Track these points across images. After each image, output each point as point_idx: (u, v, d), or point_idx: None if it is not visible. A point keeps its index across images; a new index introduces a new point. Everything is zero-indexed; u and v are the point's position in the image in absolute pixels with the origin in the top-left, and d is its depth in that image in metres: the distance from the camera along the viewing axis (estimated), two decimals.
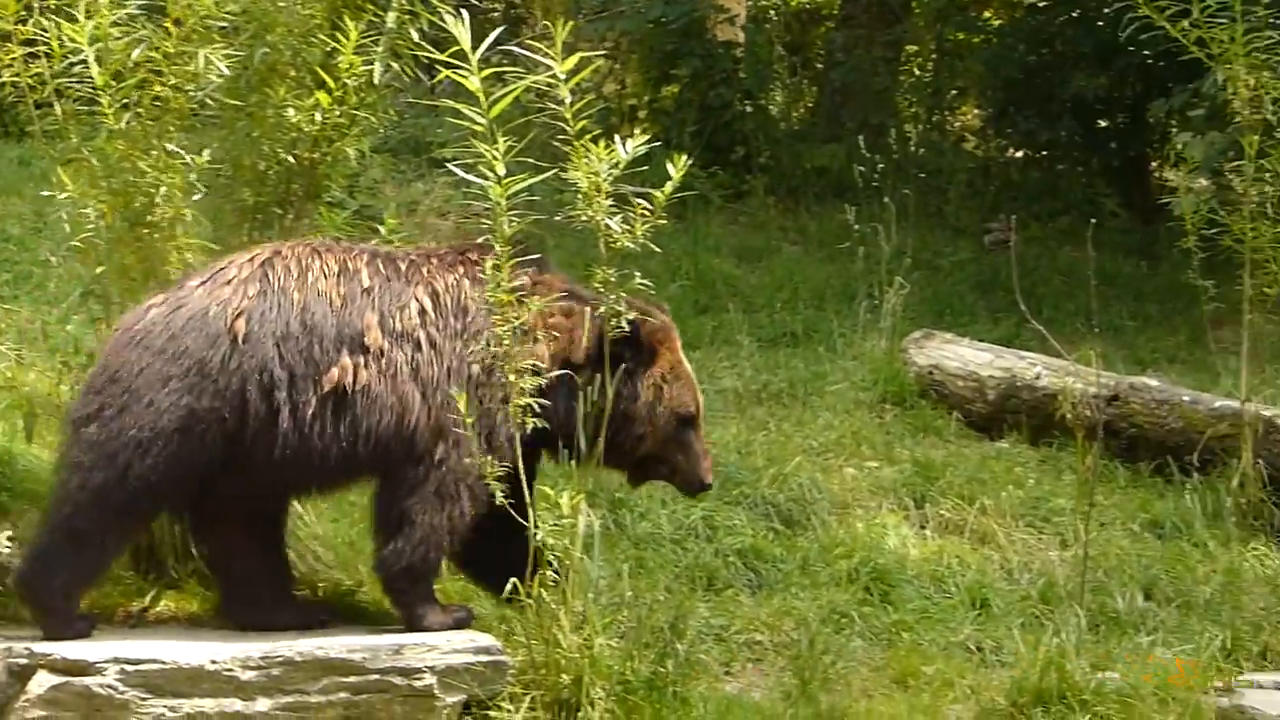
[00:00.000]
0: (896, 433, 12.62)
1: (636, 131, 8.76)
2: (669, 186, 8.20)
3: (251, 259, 8.26)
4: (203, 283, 8.22)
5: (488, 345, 8.17)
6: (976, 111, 24.13)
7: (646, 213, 8.15)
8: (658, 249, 8.32)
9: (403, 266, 8.40)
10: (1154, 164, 21.85)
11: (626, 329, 8.30)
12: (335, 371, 8.07)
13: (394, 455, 8.16)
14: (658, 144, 8.96)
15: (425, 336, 8.25)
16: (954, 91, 23.76)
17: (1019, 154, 22.47)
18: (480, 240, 8.25)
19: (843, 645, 9.23)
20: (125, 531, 8.19)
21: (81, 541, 7.99)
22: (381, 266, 8.36)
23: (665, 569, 9.99)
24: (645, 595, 9.12)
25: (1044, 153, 22.13)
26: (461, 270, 8.43)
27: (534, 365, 8.14)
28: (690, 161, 8.52)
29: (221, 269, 8.26)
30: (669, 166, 8.23)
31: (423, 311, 8.28)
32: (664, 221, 8.24)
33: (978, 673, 9.04)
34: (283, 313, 8.12)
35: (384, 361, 8.15)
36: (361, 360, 8.12)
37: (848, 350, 13.93)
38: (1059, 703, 8.49)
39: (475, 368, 8.24)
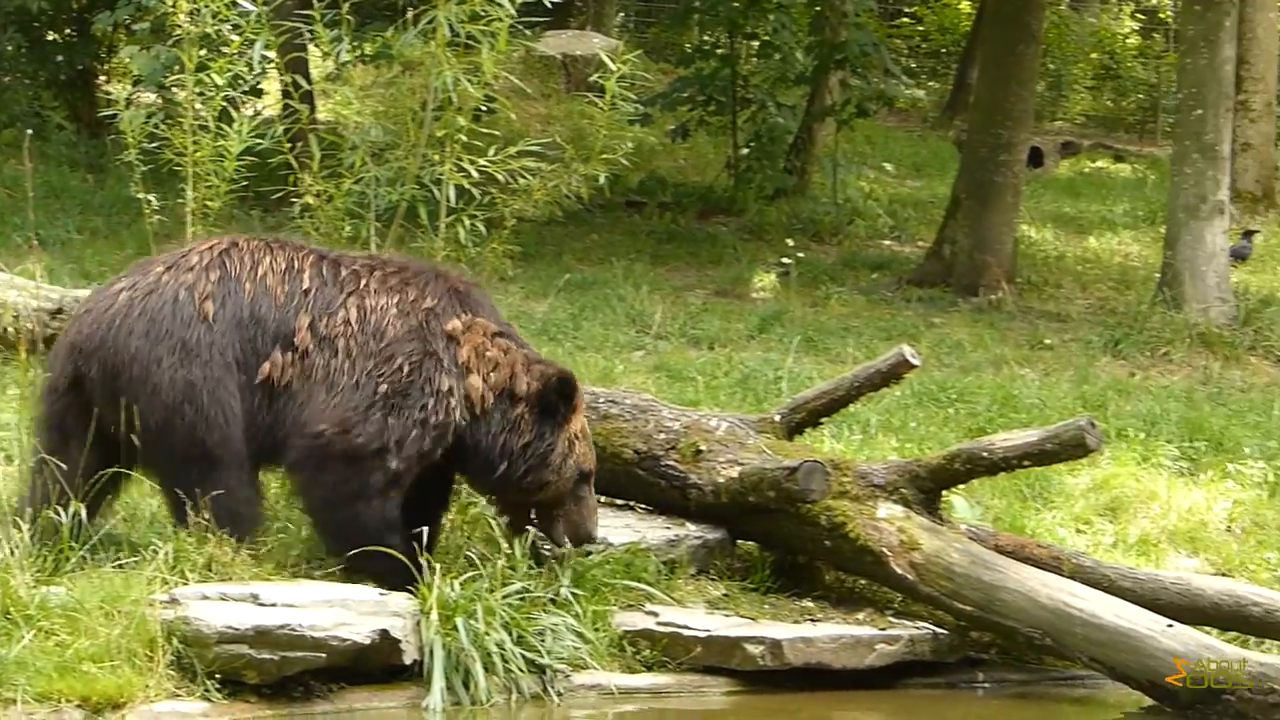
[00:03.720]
0: None
1: None
2: None
3: (211, 248, 9.18)
4: (168, 268, 9.10)
5: (401, 368, 9.06)
6: None
7: None
8: None
9: (343, 273, 9.24)
10: (102, 77, 21.83)
11: (562, 382, 9.32)
12: (267, 366, 9.00)
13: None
14: None
15: (344, 346, 9.09)
16: None
17: None
18: (427, 268, 9.49)
19: None
20: (242, 484, 9.06)
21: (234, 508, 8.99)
22: (324, 270, 9.21)
23: None
24: None
25: None
26: (396, 299, 9.22)
27: (467, 395, 9.15)
28: None
29: (184, 255, 9.18)
30: None
31: (347, 323, 9.11)
32: None
33: None
34: (237, 301, 9.00)
35: (306, 362, 9.04)
36: (289, 358, 9.01)
37: None
38: (3, 619, 8.41)
39: (385, 386, 9.05)
